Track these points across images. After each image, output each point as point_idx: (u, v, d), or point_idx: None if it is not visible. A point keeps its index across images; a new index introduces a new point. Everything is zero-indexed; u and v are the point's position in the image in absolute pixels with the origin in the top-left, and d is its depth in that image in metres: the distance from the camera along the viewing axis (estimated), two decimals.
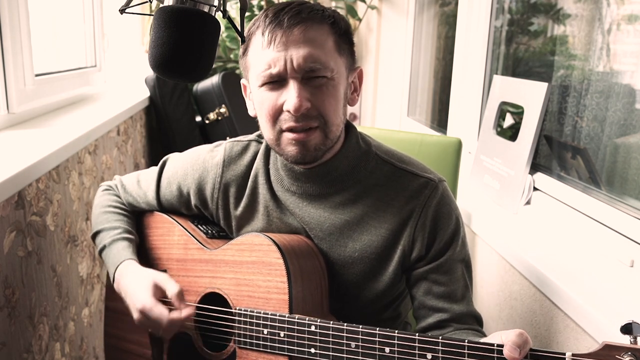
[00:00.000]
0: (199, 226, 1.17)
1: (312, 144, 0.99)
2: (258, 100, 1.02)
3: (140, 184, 1.23)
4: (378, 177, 1.07)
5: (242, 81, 1.10)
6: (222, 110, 2.71)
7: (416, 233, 1.04)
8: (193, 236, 1.14)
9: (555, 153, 1.63)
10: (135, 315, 1.06)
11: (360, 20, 3.05)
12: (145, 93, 2.59)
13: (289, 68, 0.96)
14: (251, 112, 1.09)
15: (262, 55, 0.98)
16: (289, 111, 0.97)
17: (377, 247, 1.05)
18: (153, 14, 0.78)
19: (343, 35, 1.02)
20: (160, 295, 1.06)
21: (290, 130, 0.99)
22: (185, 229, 1.16)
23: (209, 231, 1.16)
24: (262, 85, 0.99)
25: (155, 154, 2.73)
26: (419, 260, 1.05)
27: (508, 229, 1.53)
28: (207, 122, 2.75)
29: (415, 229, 1.04)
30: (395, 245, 1.05)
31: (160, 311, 1.02)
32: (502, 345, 0.79)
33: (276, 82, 0.98)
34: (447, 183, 1.09)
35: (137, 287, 1.06)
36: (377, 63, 3.07)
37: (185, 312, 1.02)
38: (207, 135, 2.78)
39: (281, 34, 0.96)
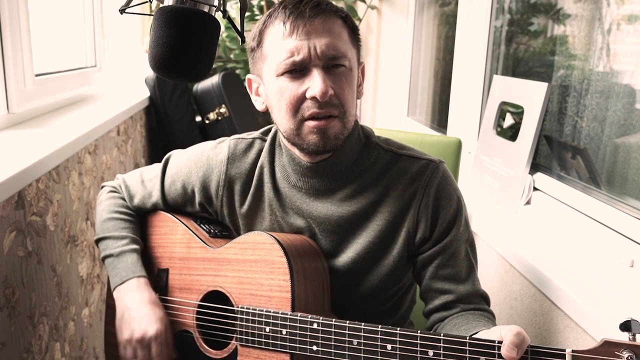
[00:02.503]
0: (202, 225, 1.17)
1: (332, 132, 1.01)
2: (275, 91, 1.02)
3: (144, 184, 1.23)
4: (381, 166, 1.09)
5: (249, 76, 1.10)
6: (222, 110, 2.71)
7: (420, 214, 1.06)
8: (196, 235, 1.14)
9: (555, 153, 1.63)
10: (126, 335, 1.09)
11: (360, 20, 3.05)
12: (145, 93, 2.59)
13: (313, 55, 0.98)
14: (260, 107, 1.10)
15: (282, 44, 0.99)
16: (313, 97, 0.98)
17: (381, 230, 1.06)
18: (153, 14, 0.78)
19: (355, 29, 1.06)
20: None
21: (312, 117, 1.00)
22: (188, 227, 1.16)
23: (212, 230, 1.16)
24: (282, 74, 1.00)
25: (155, 154, 2.73)
26: (424, 243, 1.07)
27: (508, 229, 1.53)
28: (207, 122, 2.75)
29: (419, 210, 1.06)
30: (400, 227, 1.06)
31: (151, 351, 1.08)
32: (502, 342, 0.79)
33: (297, 71, 0.99)
34: (446, 165, 1.11)
35: (144, 316, 1.09)
36: (377, 63, 3.07)
37: None
38: (207, 135, 2.77)
39: (303, 23, 0.98)
